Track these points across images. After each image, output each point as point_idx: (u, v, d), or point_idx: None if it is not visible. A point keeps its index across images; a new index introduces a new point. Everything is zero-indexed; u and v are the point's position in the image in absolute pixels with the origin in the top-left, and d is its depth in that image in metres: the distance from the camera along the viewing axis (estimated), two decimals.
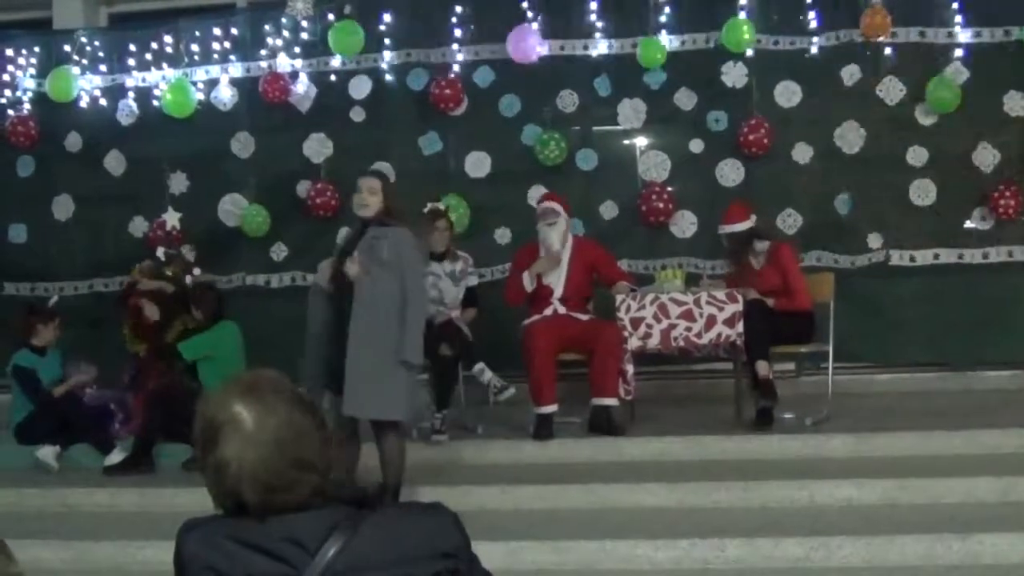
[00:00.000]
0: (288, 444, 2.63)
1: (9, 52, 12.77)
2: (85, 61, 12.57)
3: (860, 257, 11.11)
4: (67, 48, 12.61)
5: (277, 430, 2.63)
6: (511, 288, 9.72)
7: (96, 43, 12.67)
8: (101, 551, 7.72)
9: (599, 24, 11.53)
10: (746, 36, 10.98)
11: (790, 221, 11.14)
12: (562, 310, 9.53)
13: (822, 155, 11.24)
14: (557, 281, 9.61)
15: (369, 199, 7.55)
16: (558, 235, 9.65)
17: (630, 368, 9.28)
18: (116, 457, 9.51)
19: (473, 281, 10.06)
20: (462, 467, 8.95)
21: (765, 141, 11.14)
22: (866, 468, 8.15)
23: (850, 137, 11.19)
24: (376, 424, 7.54)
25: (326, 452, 2.72)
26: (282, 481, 2.62)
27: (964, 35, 11.04)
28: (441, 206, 10.25)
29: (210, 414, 2.67)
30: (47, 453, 9.71)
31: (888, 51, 11.21)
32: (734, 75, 11.31)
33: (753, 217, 9.75)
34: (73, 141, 12.58)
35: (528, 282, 9.50)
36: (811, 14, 11.23)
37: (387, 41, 11.89)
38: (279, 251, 12.09)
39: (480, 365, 9.26)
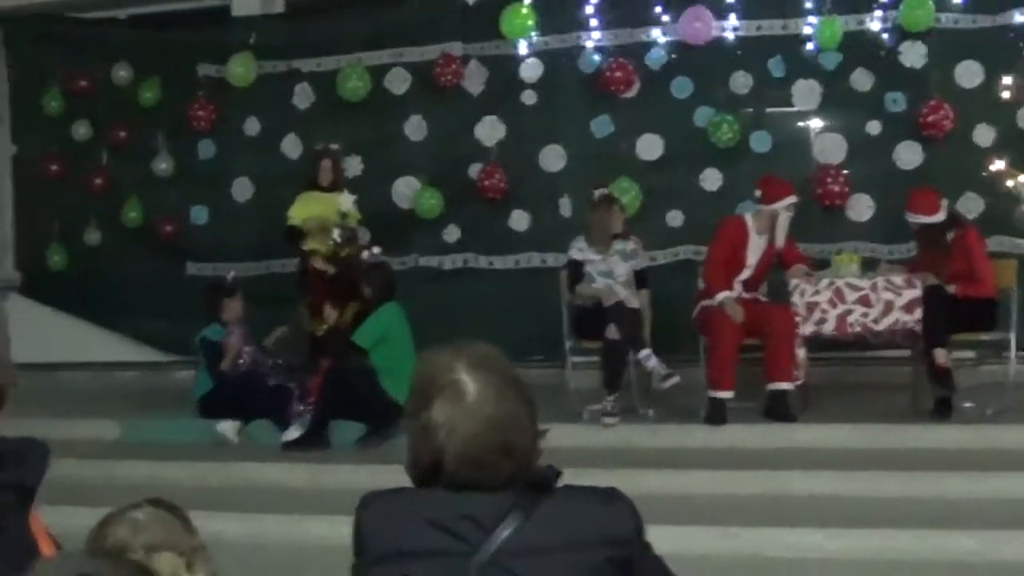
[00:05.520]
0: (502, 427, 2.64)
1: (191, 40, 13.18)
2: (263, 48, 12.84)
3: None
4: (245, 35, 12.92)
5: (496, 409, 2.64)
6: (714, 278, 9.50)
7: (273, 29, 13.00)
8: (277, 525, 7.96)
9: (773, 4, 11.49)
10: (925, 15, 10.79)
11: (971, 205, 10.86)
12: (746, 294, 9.50)
13: (1005, 137, 11.04)
14: (752, 263, 9.58)
15: None
16: (786, 225, 9.64)
17: (801, 353, 9.22)
18: (293, 434, 9.70)
19: (642, 264, 10.07)
20: (632, 451, 8.94)
21: (945, 123, 10.93)
22: None
23: None
24: None
25: (533, 446, 2.73)
26: (485, 460, 2.63)
27: None
28: (607, 191, 10.34)
29: (432, 374, 2.70)
30: (227, 428, 9.96)
31: None
32: (912, 55, 11.13)
33: (944, 204, 9.53)
34: (251, 125, 12.92)
35: (722, 304, 9.31)
36: None
37: (559, 24, 11.92)
38: (451, 233, 12.23)
39: (647, 351, 9.28)
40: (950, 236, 9.40)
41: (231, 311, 10.38)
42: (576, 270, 9.83)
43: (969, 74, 11.11)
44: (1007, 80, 11.07)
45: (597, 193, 10.22)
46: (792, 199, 9.54)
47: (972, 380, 9.57)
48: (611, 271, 9.71)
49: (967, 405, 9.16)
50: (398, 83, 12.45)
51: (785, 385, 9.11)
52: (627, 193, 11.11)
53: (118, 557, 2.23)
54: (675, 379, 9.18)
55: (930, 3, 10.87)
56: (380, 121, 12.42)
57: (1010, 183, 10.97)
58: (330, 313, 10.40)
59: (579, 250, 9.86)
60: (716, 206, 11.05)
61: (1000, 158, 11.08)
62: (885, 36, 11.27)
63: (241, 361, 10.30)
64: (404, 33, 12.47)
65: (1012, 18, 11.02)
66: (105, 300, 13.44)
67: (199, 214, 13.18)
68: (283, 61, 12.83)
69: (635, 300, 9.67)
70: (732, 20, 11.53)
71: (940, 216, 9.41)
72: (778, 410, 9.08)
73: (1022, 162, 11.01)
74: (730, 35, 11.54)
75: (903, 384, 9.76)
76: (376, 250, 10.60)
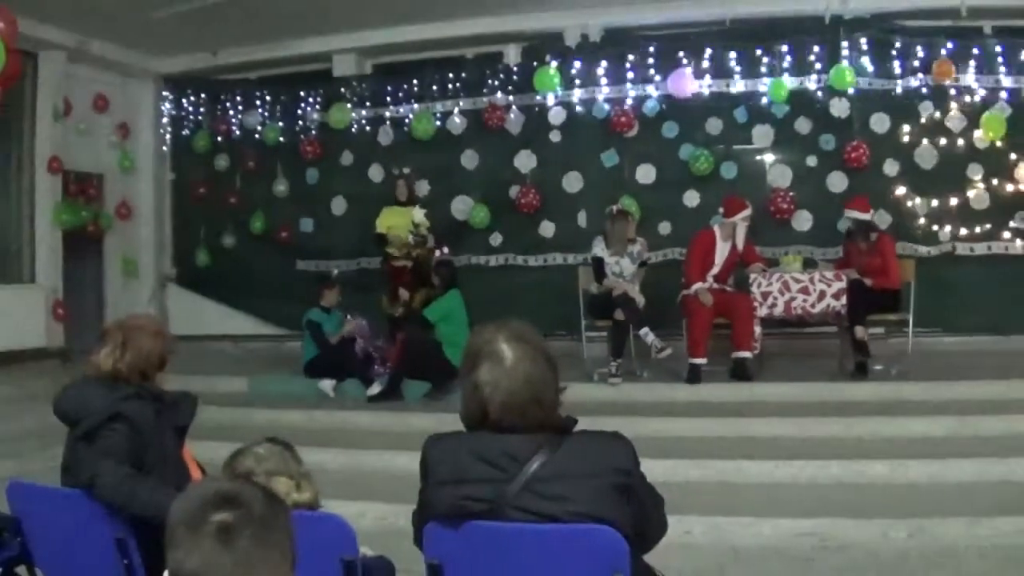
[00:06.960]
0: (533, 385, 2.72)
1: (302, 93, 13.34)
2: (355, 99, 13.11)
3: (933, 248, 11.08)
4: (342, 90, 13.19)
5: (528, 372, 2.71)
6: (691, 274, 9.51)
7: (363, 86, 13.22)
8: (365, 458, 8.05)
9: (737, 68, 11.62)
10: (848, 79, 10.99)
11: (883, 218, 10.96)
12: (716, 285, 9.53)
13: (906, 170, 11.24)
14: (719, 262, 9.59)
15: None
16: (744, 232, 9.69)
17: (758, 329, 9.36)
18: (376, 389, 9.83)
19: (645, 257, 10.01)
20: (631, 403, 8.97)
21: (863, 159, 11.15)
22: (936, 408, 8.17)
23: (926, 156, 11.19)
24: None
25: (557, 399, 2.80)
26: (520, 410, 2.71)
27: (1007, 81, 11.02)
28: (621, 206, 10.51)
29: (479, 344, 2.77)
30: (327, 385, 10.11)
31: (953, 92, 11.13)
32: (839, 108, 11.33)
33: (872, 211, 9.75)
34: (346, 157, 13.17)
35: (696, 293, 9.36)
36: (896, 63, 11.23)
37: (577, 81, 12.07)
38: (495, 239, 12.39)
39: (645, 329, 9.27)
40: (873, 237, 9.58)
41: (328, 299, 10.44)
42: (599, 265, 9.78)
43: (880, 122, 11.32)
44: (906, 127, 11.27)
45: (615, 208, 10.34)
46: (746, 213, 9.60)
47: (882, 349, 9.62)
48: (622, 271, 9.77)
49: (878, 367, 9.29)
50: (457, 125, 12.59)
51: (746, 353, 9.24)
52: (629, 208, 11.12)
53: (246, 480, 2.34)
54: (668, 351, 9.20)
55: (852, 70, 11.05)
56: (443, 154, 12.50)
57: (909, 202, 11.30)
58: (404, 293, 10.55)
59: (601, 249, 9.79)
60: (695, 219, 11.22)
61: (902, 184, 11.28)
62: (819, 93, 11.43)
63: (358, 348, 10.35)
64: (462, 88, 12.62)
65: (909, 83, 11.24)
66: (237, 288, 13.70)
67: (307, 224, 13.43)
68: (371, 109, 13.04)
69: (636, 290, 9.54)
70: (707, 79, 11.65)
71: (869, 215, 9.65)
72: (741, 372, 9.23)
73: (918, 188, 11.23)
74: (706, 91, 11.64)
75: (832, 352, 9.91)
76: (445, 250, 10.79)
